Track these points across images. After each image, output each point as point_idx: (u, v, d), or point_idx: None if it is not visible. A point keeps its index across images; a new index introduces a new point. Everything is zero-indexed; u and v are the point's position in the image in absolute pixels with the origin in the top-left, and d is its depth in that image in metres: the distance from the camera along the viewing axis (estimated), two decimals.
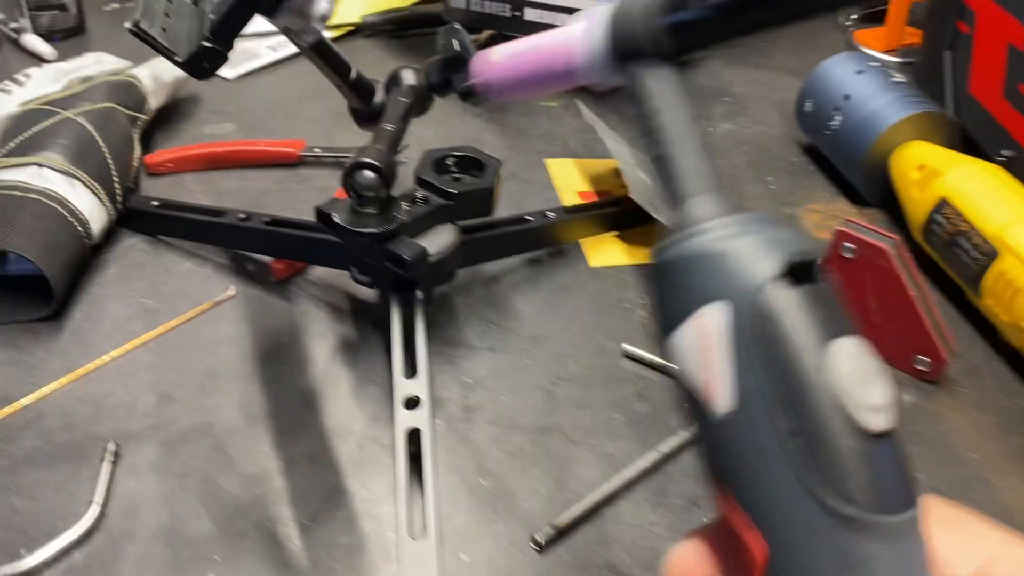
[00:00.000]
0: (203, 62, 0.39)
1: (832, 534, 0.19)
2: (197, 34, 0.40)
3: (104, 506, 0.41)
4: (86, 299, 0.53)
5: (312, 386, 0.48)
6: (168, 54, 0.40)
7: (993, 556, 0.20)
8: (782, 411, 0.20)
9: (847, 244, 0.50)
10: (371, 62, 0.82)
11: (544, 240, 0.58)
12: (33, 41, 0.80)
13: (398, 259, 0.46)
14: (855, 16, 0.94)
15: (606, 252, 0.60)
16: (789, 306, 0.21)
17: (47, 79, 0.62)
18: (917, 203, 0.59)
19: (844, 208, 0.66)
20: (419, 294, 0.49)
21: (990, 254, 0.52)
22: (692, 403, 0.22)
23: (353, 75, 0.55)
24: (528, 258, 0.59)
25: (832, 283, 0.22)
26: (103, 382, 0.47)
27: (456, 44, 0.55)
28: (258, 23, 0.46)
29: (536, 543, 0.41)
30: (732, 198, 0.23)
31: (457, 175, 0.53)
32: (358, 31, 0.86)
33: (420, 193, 0.50)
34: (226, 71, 0.76)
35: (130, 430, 0.45)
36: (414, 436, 0.42)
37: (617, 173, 0.63)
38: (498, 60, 0.30)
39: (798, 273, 0.21)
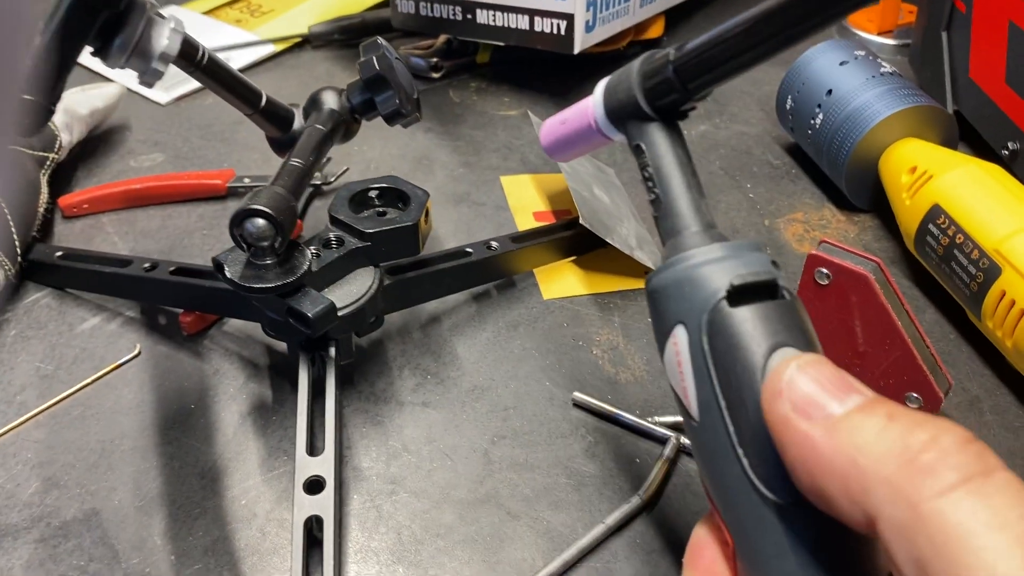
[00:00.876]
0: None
1: (774, 521, 0.23)
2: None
3: None
4: None
5: (216, 461, 0.43)
6: None
7: None
8: (731, 417, 0.24)
9: (821, 270, 0.44)
10: (322, 74, 0.77)
11: (489, 273, 0.52)
12: None
13: (299, 315, 0.40)
14: None
15: (561, 282, 0.54)
16: (731, 325, 0.24)
17: None
18: (909, 211, 0.52)
19: (830, 216, 0.59)
20: (332, 352, 0.43)
21: (990, 270, 0.46)
22: (680, 407, 0.26)
23: (263, 102, 0.49)
24: (474, 293, 0.53)
25: (796, 301, 0.25)
26: None
27: (376, 62, 0.49)
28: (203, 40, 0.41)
29: None
30: (717, 229, 0.27)
31: (381, 210, 0.48)
32: (306, 42, 0.80)
33: (333, 234, 0.45)
34: (158, 95, 0.71)
35: (7, 523, 0.40)
36: (319, 523, 0.37)
37: None
38: (548, 128, 0.34)
39: (743, 295, 0.24)
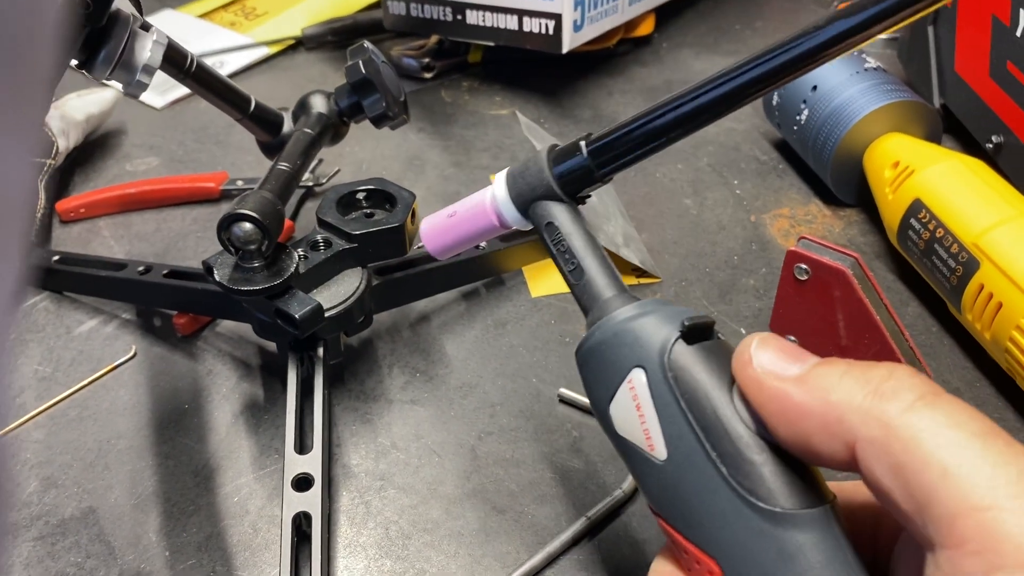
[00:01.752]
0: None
1: (770, 532, 0.23)
2: None
3: None
4: None
5: (209, 460, 0.44)
6: None
7: None
8: (707, 443, 0.25)
9: (800, 265, 0.45)
10: (315, 76, 0.77)
11: (477, 272, 0.53)
12: None
13: (287, 317, 0.41)
14: None
15: (548, 280, 0.54)
16: (691, 359, 0.26)
17: None
18: (891, 205, 0.53)
19: (816, 211, 0.60)
20: (320, 352, 0.44)
21: (969, 264, 0.46)
22: (633, 459, 0.27)
23: (252, 107, 0.50)
24: (464, 291, 0.54)
25: (723, 340, 0.27)
26: None
27: (362, 66, 0.50)
28: (198, 43, 0.42)
29: None
30: (629, 292, 0.29)
31: (368, 211, 0.48)
32: (300, 44, 0.81)
33: (321, 236, 0.46)
34: (154, 99, 0.72)
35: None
36: (307, 519, 0.38)
37: None
38: (432, 224, 0.35)
39: (694, 334, 0.26)
